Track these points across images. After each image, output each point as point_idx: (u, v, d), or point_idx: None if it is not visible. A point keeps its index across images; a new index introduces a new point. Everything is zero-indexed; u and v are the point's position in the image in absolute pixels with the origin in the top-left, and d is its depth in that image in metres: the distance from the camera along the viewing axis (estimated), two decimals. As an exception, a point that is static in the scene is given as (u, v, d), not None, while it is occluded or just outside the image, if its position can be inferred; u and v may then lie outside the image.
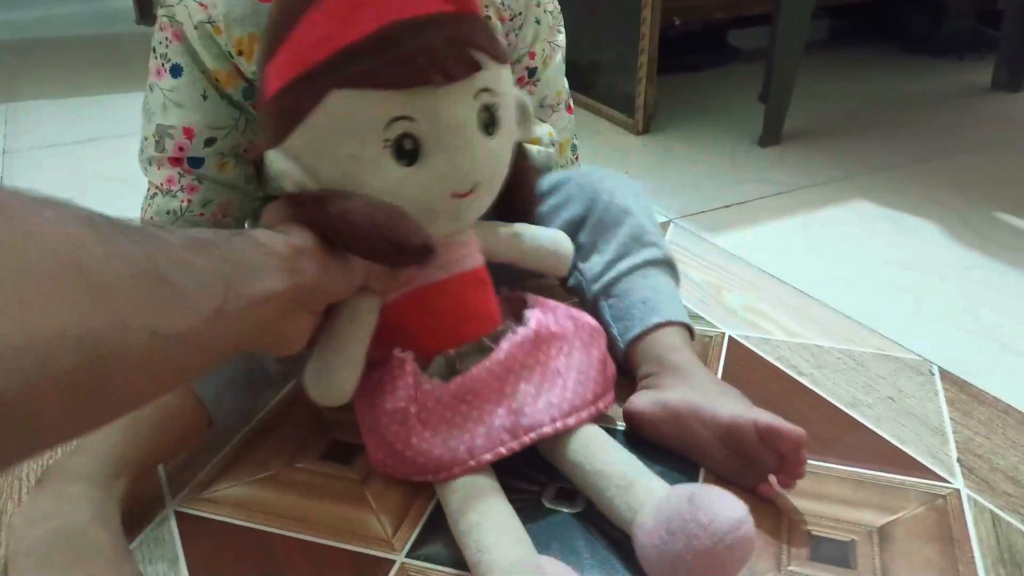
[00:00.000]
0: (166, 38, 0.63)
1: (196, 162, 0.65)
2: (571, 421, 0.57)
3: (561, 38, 0.79)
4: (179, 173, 0.65)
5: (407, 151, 0.52)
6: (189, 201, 0.66)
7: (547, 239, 0.67)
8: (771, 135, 1.25)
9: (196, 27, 0.62)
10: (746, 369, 0.73)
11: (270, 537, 0.56)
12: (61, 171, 1.25)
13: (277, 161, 0.52)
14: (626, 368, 0.67)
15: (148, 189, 0.67)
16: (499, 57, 0.55)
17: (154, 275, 0.33)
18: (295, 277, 0.45)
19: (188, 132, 0.64)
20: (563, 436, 0.58)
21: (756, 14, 1.52)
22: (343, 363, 0.55)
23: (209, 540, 0.56)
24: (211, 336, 0.37)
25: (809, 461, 0.56)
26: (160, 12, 0.64)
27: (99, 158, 1.29)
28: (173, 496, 0.59)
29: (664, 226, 1.02)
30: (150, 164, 0.66)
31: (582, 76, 1.35)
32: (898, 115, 1.41)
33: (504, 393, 0.56)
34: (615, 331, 0.68)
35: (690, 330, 0.68)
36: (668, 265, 0.72)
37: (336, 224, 0.50)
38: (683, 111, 1.42)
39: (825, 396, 0.69)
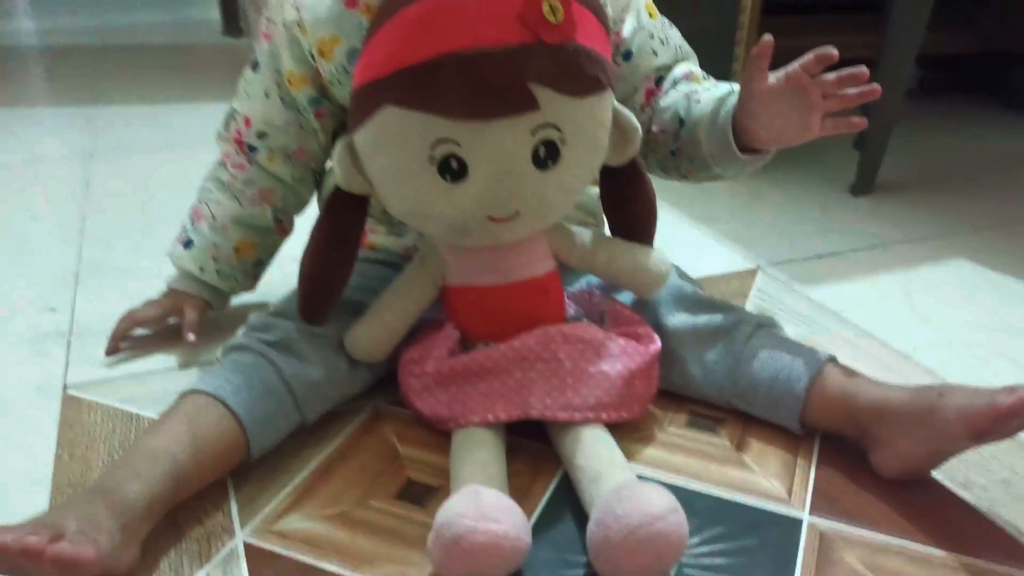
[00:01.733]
0: (261, 36, 0.72)
1: (251, 148, 0.75)
2: (562, 415, 0.61)
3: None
4: (235, 150, 0.76)
5: (452, 169, 0.56)
6: (235, 177, 0.76)
7: (641, 256, 0.68)
8: (864, 184, 1.20)
9: (286, 26, 0.68)
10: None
11: (340, 580, 0.53)
12: (138, 175, 1.26)
13: (336, 151, 0.60)
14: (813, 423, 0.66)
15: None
16: (577, 91, 0.55)
17: None
18: None
19: (247, 121, 0.74)
20: (564, 428, 0.61)
21: (851, 57, 1.47)
22: (376, 326, 0.66)
23: (278, 579, 0.53)
24: None
25: (918, 547, 0.53)
26: (264, 15, 0.71)
27: (175, 163, 1.30)
28: (243, 526, 0.57)
29: (752, 273, 0.97)
30: (218, 138, 0.77)
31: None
32: (997, 173, 1.34)
33: (512, 375, 0.62)
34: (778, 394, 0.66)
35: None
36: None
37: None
38: (769, 154, 1.38)
39: (933, 473, 0.64)
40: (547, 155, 0.56)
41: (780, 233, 1.09)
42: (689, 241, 1.07)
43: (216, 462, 0.58)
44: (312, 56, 0.68)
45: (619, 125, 0.62)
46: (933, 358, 0.80)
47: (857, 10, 1.48)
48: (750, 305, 0.90)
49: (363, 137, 0.58)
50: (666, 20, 0.76)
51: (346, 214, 0.63)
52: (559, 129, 0.56)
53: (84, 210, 1.12)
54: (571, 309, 0.70)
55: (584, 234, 0.68)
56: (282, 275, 0.79)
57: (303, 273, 0.65)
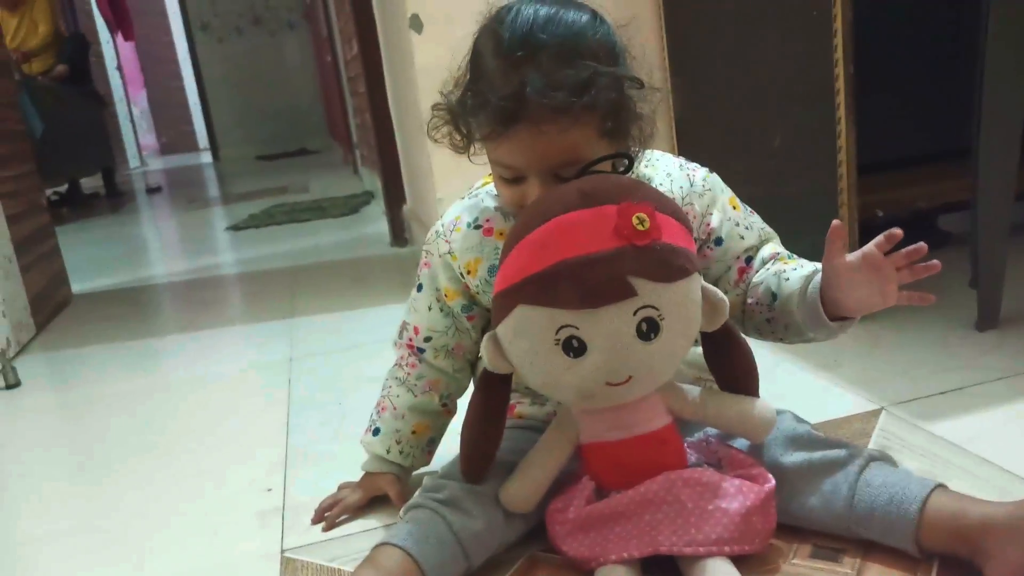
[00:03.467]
0: (423, 265, 0.92)
1: (420, 350, 0.93)
2: (687, 550, 0.71)
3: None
4: (408, 353, 0.94)
5: (574, 348, 0.70)
6: (409, 374, 0.94)
7: (746, 406, 0.78)
8: (987, 320, 1.23)
9: (440, 256, 0.88)
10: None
11: None
12: (332, 373, 1.49)
13: (485, 343, 0.75)
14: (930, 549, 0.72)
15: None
16: (666, 278, 0.69)
17: None
18: None
19: (416, 330, 0.93)
20: (693, 562, 0.71)
21: (950, 201, 1.54)
22: (525, 481, 0.79)
23: None
24: None
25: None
26: (424, 248, 0.92)
27: (360, 361, 1.52)
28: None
29: (875, 414, 1.04)
30: (395, 345, 0.97)
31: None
32: None
33: (642, 518, 0.73)
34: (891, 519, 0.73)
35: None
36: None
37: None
38: (893, 298, 1.44)
39: (1053, 588, 0.67)
40: (649, 329, 0.70)
41: (903, 374, 1.14)
42: (815, 387, 1.15)
43: None
44: (462, 275, 0.87)
45: (708, 299, 0.74)
46: (1057, 481, 0.83)
47: (949, 157, 1.56)
48: (873, 443, 0.96)
49: (503, 331, 0.74)
50: (748, 208, 0.90)
51: (494, 391, 0.79)
52: (656, 308, 0.70)
53: (289, 407, 1.34)
54: (692, 456, 0.80)
55: (694, 391, 0.80)
56: (447, 446, 0.95)
57: (463, 441, 0.79)
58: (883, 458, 0.78)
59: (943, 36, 1.66)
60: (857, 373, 1.17)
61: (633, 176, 0.82)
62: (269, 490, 1.06)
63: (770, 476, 0.76)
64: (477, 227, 0.86)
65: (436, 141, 0.83)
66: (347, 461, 1.01)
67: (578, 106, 0.71)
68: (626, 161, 0.78)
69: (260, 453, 1.18)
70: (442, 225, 0.89)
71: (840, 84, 1.25)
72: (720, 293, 0.75)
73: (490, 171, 0.87)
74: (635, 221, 0.68)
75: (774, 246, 0.89)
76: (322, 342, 1.69)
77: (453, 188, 1.78)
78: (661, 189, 0.81)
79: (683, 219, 0.74)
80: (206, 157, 8.22)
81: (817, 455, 0.78)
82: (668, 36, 1.78)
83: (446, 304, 0.90)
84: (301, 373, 1.51)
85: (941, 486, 0.73)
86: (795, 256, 0.88)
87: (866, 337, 1.30)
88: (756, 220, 0.90)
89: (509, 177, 0.78)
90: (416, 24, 1.75)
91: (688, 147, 1.75)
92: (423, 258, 0.92)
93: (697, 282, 0.73)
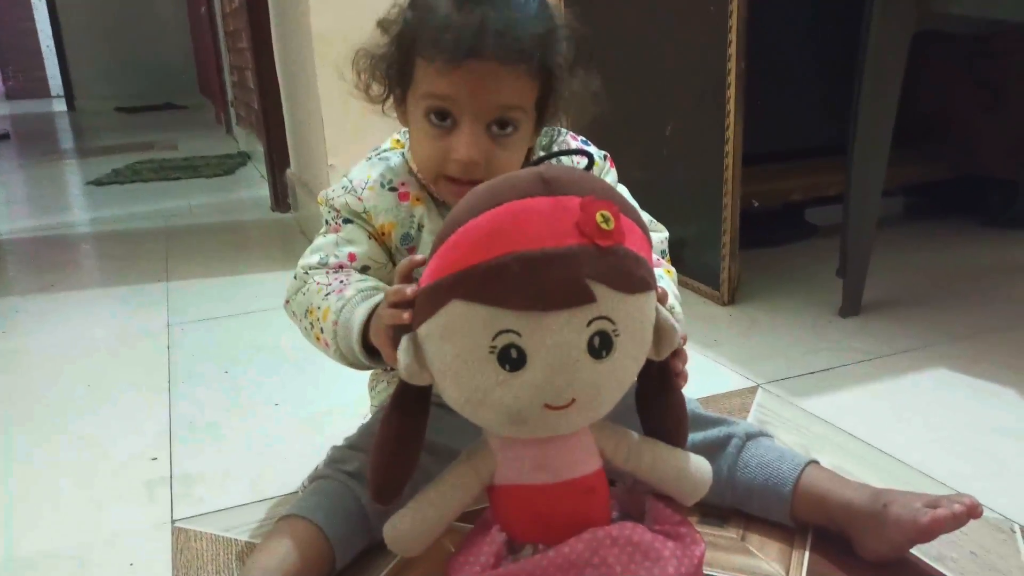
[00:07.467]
0: (332, 228, 0.82)
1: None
2: None
3: None
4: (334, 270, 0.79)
5: (512, 359, 0.58)
6: (340, 271, 0.79)
7: (684, 462, 0.70)
8: (851, 307, 1.34)
9: (352, 215, 0.81)
10: (835, 523, 0.79)
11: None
12: (216, 341, 1.44)
13: (403, 347, 0.62)
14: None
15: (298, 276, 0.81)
16: (627, 288, 0.60)
17: None
18: None
19: (352, 257, 0.80)
20: None
21: (826, 195, 1.65)
22: (416, 521, 0.65)
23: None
24: None
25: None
26: (325, 200, 0.83)
27: (247, 329, 1.48)
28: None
29: (752, 391, 1.11)
30: (297, 279, 0.80)
31: (671, 252, 1.48)
32: (976, 286, 1.48)
33: None
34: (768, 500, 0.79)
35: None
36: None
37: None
38: (766, 283, 1.53)
39: (912, 550, 0.75)
40: (601, 345, 0.59)
41: (777, 354, 1.22)
42: (697, 365, 1.19)
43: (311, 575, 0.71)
44: (380, 235, 0.81)
45: (658, 324, 0.65)
46: (915, 456, 0.92)
47: (826, 153, 1.67)
48: (751, 418, 1.03)
49: (427, 331, 0.61)
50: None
51: (411, 408, 0.65)
52: (612, 322, 0.59)
53: (170, 375, 1.29)
54: (614, 510, 0.70)
55: (631, 435, 0.69)
56: (354, 412, 0.95)
57: (373, 465, 0.66)
58: (759, 435, 0.83)
59: (831, 38, 1.77)
60: (735, 352, 1.24)
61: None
62: (155, 459, 1.02)
63: (699, 536, 0.68)
64: (392, 189, 0.81)
65: (356, 88, 0.78)
66: (238, 431, 0.98)
67: (539, 55, 0.71)
68: (586, 159, 0.73)
69: (143, 423, 1.13)
70: (350, 182, 0.82)
71: (732, 78, 1.32)
72: (672, 319, 0.66)
73: (394, 134, 0.84)
74: (599, 219, 0.58)
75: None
76: (203, 308, 1.63)
77: (346, 155, 1.74)
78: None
79: (645, 229, 0.65)
80: (59, 105, 7.64)
81: (699, 436, 0.82)
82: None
83: (385, 241, 0.82)
84: (182, 340, 1.45)
85: (813, 462, 0.80)
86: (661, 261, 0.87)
87: (742, 319, 1.38)
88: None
89: (439, 121, 0.73)
90: (312, -17, 1.70)
91: (582, 129, 1.79)
92: (328, 217, 0.83)
93: (653, 301, 0.64)
